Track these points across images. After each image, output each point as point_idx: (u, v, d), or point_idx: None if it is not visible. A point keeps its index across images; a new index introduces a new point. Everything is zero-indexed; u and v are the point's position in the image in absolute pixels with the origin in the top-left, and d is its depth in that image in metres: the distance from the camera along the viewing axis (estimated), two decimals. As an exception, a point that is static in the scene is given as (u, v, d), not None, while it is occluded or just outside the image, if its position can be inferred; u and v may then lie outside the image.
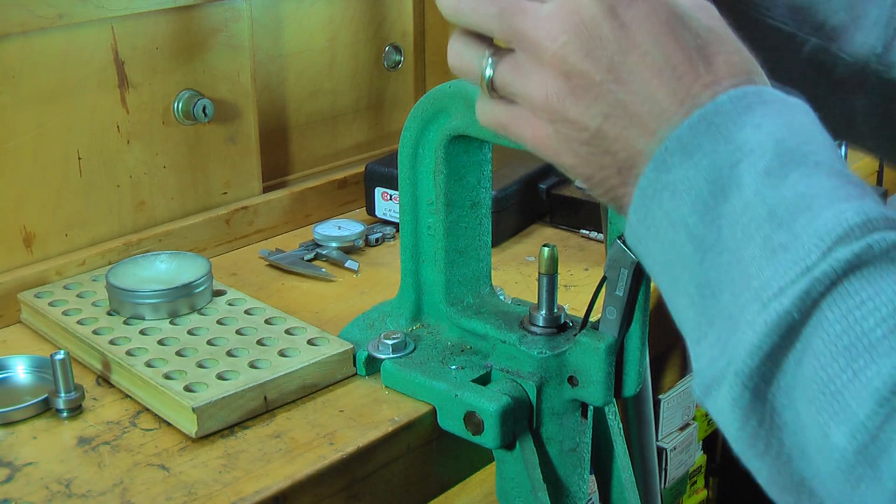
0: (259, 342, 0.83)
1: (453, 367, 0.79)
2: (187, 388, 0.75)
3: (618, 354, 0.74)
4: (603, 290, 0.73)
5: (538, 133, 0.56)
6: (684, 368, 1.15)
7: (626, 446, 0.81)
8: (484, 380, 0.77)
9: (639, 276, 0.72)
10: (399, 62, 1.30)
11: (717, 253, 0.48)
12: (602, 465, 0.81)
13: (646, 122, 0.52)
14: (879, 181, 1.33)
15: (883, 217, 0.45)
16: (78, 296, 0.92)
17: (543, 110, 0.55)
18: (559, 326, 0.77)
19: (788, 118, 0.50)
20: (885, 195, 1.15)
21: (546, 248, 0.75)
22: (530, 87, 0.55)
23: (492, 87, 0.58)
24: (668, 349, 1.11)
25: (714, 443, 1.42)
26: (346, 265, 1.03)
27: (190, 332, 0.85)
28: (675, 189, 0.50)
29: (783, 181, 0.47)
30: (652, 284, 0.81)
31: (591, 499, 0.80)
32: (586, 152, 0.54)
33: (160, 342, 0.83)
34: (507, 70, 0.56)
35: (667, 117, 0.51)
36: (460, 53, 0.59)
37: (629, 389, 0.75)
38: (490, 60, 0.57)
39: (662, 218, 0.50)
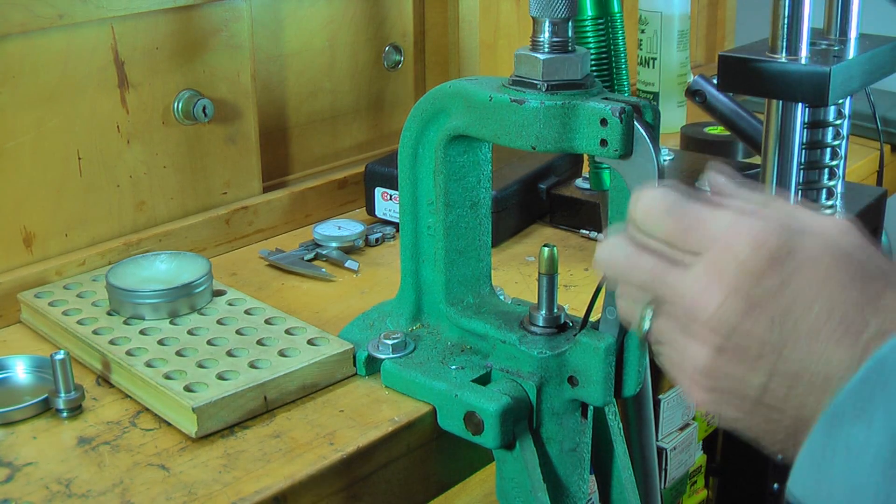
0: (259, 342, 0.83)
1: (453, 367, 0.79)
2: (187, 388, 0.75)
3: (618, 354, 0.74)
4: (603, 290, 0.73)
5: (697, 392, 0.55)
6: None
7: (626, 446, 0.81)
8: (484, 380, 0.77)
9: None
10: (399, 62, 1.30)
11: None
12: (602, 465, 0.81)
13: (813, 380, 0.50)
14: (879, 181, 1.33)
15: None
16: (78, 296, 0.92)
17: (703, 376, 0.53)
18: (559, 326, 0.77)
19: None
20: (884, 195, 1.15)
21: (546, 248, 0.75)
22: (689, 351, 0.54)
23: (648, 339, 0.57)
24: (668, 349, 1.11)
25: (714, 443, 1.42)
26: (346, 265, 1.03)
27: (190, 332, 0.85)
28: (849, 447, 0.47)
29: None
30: (652, 284, 0.81)
31: (591, 499, 0.80)
32: (749, 412, 0.53)
33: (160, 342, 0.83)
34: (665, 328, 0.55)
35: (835, 374, 0.49)
36: (622, 296, 0.59)
37: (629, 389, 0.75)
38: (649, 312, 0.57)
39: (838, 476, 0.48)
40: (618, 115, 0.68)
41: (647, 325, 0.57)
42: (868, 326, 0.49)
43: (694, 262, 0.54)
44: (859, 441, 0.47)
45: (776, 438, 0.52)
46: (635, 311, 0.58)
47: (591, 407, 0.77)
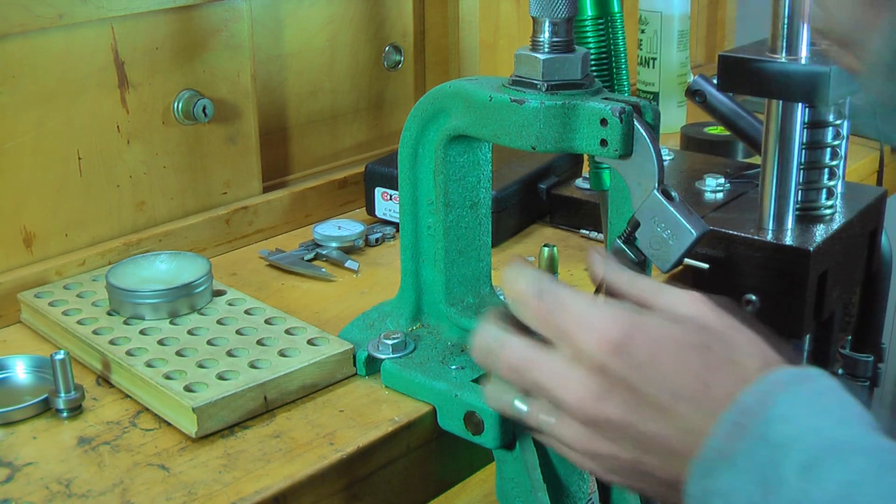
0: (259, 342, 0.83)
1: (453, 367, 0.79)
2: (187, 388, 0.75)
3: (618, 354, 0.74)
4: (603, 290, 0.73)
5: (585, 463, 0.60)
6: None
7: (625, 446, 0.81)
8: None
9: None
10: (399, 62, 1.30)
11: None
12: (602, 465, 0.81)
13: (677, 447, 0.54)
14: (879, 181, 1.33)
15: None
16: (78, 296, 0.92)
17: (580, 453, 0.59)
18: (559, 326, 0.77)
19: (812, 401, 0.51)
20: (884, 195, 1.15)
21: (546, 249, 0.75)
22: (562, 430, 0.59)
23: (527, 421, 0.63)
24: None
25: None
26: (346, 265, 1.03)
27: (190, 332, 0.85)
28: (725, 495, 0.51)
29: (823, 474, 0.48)
30: (652, 284, 0.81)
31: (591, 499, 0.80)
32: (633, 478, 0.58)
33: (160, 342, 0.83)
34: (542, 408, 0.61)
35: (698, 432, 0.53)
36: (493, 381, 0.65)
37: (629, 389, 0.75)
38: (520, 400, 0.63)
39: None
40: (618, 115, 0.68)
41: (524, 408, 0.63)
42: (720, 385, 0.53)
43: (557, 349, 0.59)
44: (733, 489, 0.51)
45: (658, 493, 0.57)
46: (506, 394, 0.63)
47: (591, 407, 0.77)
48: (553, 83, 0.71)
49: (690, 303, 0.58)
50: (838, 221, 1.05)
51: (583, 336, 0.57)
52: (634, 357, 0.55)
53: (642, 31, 1.51)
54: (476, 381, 0.77)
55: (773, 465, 0.49)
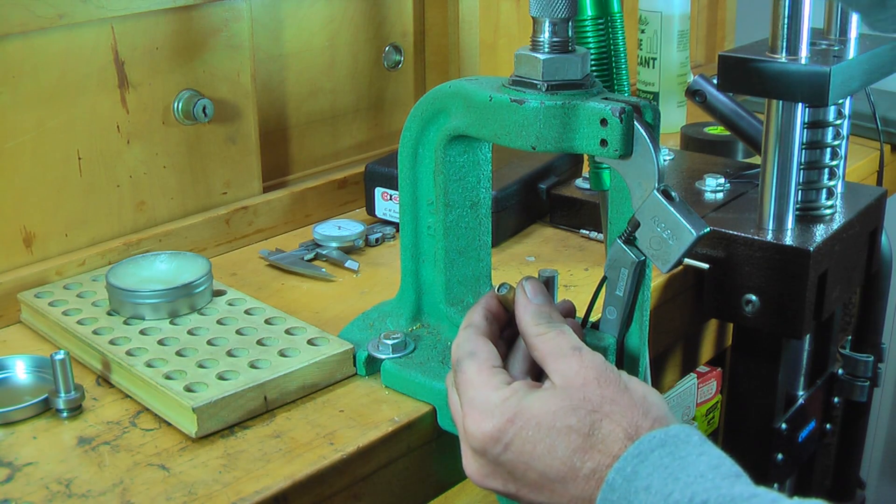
0: (259, 342, 0.83)
1: (453, 367, 0.79)
2: (187, 388, 0.75)
3: (618, 354, 0.74)
4: (603, 290, 0.73)
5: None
6: (684, 368, 1.15)
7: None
8: (484, 380, 0.77)
9: (639, 276, 0.72)
10: (399, 62, 1.30)
11: None
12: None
13: None
14: (879, 181, 1.33)
15: None
16: (78, 296, 0.92)
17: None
18: (559, 326, 0.77)
19: (671, 466, 0.57)
20: (884, 195, 1.15)
21: (505, 287, 0.76)
22: (466, 461, 0.68)
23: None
24: (668, 349, 1.11)
25: (714, 442, 1.42)
26: (346, 265, 1.03)
27: (190, 332, 0.85)
28: None
29: None
30: (652, 284, 0.81)
31: (590, 499, 0.80)
32: None
33: (160, 342, 0.83)
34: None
35: None
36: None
37: (629, 389, 0.75)
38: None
39: None
40: (618, 115, 0.68)
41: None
42: (584, 467, 0.60)
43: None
44: None
45: None
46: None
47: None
48: (553, 83, 0.71)
49: (577, 374, 0.64)
50: (838, 221, 1.05)
51: (468, 421, 0.66)
52: (509, 446, 0.63)
53: (642, 31, 1.51)
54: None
55: None
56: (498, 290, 0.73)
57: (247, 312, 0.89)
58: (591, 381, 0.63)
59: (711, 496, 0.55)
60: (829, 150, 1.04)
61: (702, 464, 0.58)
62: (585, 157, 1.17)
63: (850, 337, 1.32)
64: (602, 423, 0.61)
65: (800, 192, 1.03)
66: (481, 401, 0.65)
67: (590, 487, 0.60)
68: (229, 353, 0.81)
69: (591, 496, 0.60)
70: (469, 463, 0.67)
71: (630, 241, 0.70)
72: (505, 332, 0.74)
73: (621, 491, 0.58)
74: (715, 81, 1.08)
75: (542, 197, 1.15)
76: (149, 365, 0.79)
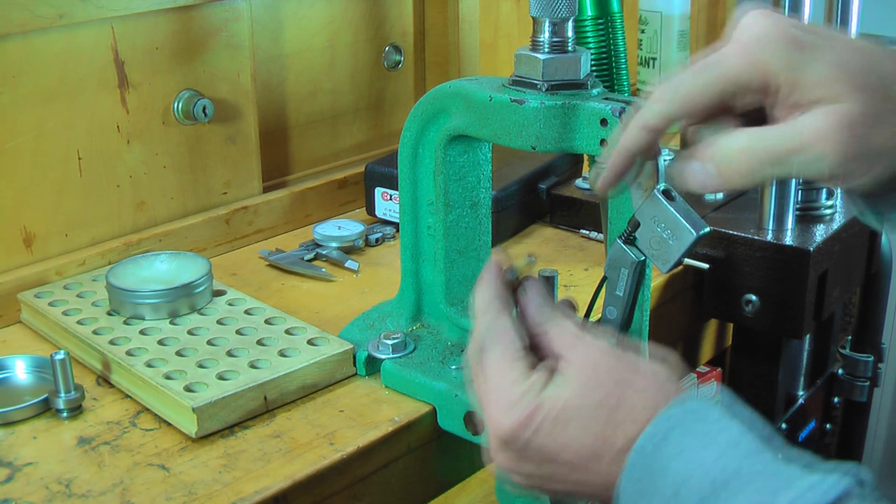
0: (259, 342, 0.83)
1: (453, 367, 0.79)
2: (187, 388, 0.75)
3: (618, 354, 0.74)
4: (603, 290, 0.73)
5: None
6: (684, 368, 1.16)
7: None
8: (484, 380, 0.77)
9: (639, 276, 0.72)
10: (399, 62, 1.30)
11: None
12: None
13: (595, 490, 0.61)
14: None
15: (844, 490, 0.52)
16: (78, 296, 0.92)
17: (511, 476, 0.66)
18: (559, 326, 0.77)
19: (701, 433, 0.57)
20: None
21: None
22: (494, 454, 0.65)
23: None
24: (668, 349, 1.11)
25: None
26: (346, 265, 1.03)
27: (190, 332, 0.85)
28: None
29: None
30: (652, 284, 0.81)
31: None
32: (563, 494, 0.64)
33: (160, 342, 0.83)
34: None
35: (608, 480, 0.60)
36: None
37: (629, 389, 0.75)
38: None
39: None
40: (618, 115, 0.68)
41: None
42: (616, 440, 0.59)
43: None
44: None
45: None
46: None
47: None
48: (553, 83, 0.71)
49: (588, 353, 0.63)
50: (838, 221, 1.05)
51: (488, 413, 0.64)
52: (534, 437, 0.62)
53: (642, 31, 1.51)
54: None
55: (675, 496, 0.55)
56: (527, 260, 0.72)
57: (247, 312, 0.89)
58: (607, 356, 0.63)
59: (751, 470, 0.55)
60: (829, 150, 1.04)
61: (734, 427, 0.57)
62: (585, 157, 1.17)
63: (850, 337, 1.32)
64: (629, 395, 0.61)
65: (800, 191, 1.03)
66: (501, 397, 0.64)
67: (622, 459, 0.60)
68: (229, 353, 0.81)
69: (620, 466, 0.60)
70: (496, 452, 0.65)
71: (630, 241, 0.70)
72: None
73: (651, 456, 0.58)
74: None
75: (542, 197, 1.15)
76: (149, 365, 0.79)
